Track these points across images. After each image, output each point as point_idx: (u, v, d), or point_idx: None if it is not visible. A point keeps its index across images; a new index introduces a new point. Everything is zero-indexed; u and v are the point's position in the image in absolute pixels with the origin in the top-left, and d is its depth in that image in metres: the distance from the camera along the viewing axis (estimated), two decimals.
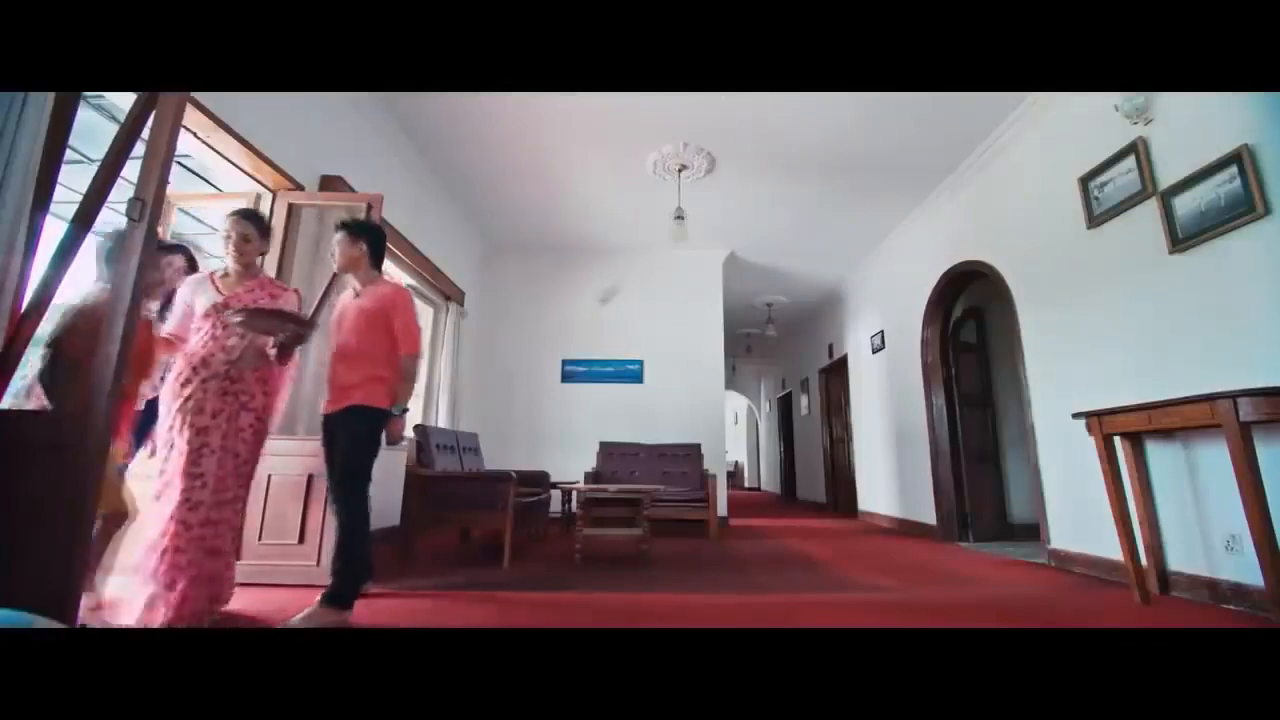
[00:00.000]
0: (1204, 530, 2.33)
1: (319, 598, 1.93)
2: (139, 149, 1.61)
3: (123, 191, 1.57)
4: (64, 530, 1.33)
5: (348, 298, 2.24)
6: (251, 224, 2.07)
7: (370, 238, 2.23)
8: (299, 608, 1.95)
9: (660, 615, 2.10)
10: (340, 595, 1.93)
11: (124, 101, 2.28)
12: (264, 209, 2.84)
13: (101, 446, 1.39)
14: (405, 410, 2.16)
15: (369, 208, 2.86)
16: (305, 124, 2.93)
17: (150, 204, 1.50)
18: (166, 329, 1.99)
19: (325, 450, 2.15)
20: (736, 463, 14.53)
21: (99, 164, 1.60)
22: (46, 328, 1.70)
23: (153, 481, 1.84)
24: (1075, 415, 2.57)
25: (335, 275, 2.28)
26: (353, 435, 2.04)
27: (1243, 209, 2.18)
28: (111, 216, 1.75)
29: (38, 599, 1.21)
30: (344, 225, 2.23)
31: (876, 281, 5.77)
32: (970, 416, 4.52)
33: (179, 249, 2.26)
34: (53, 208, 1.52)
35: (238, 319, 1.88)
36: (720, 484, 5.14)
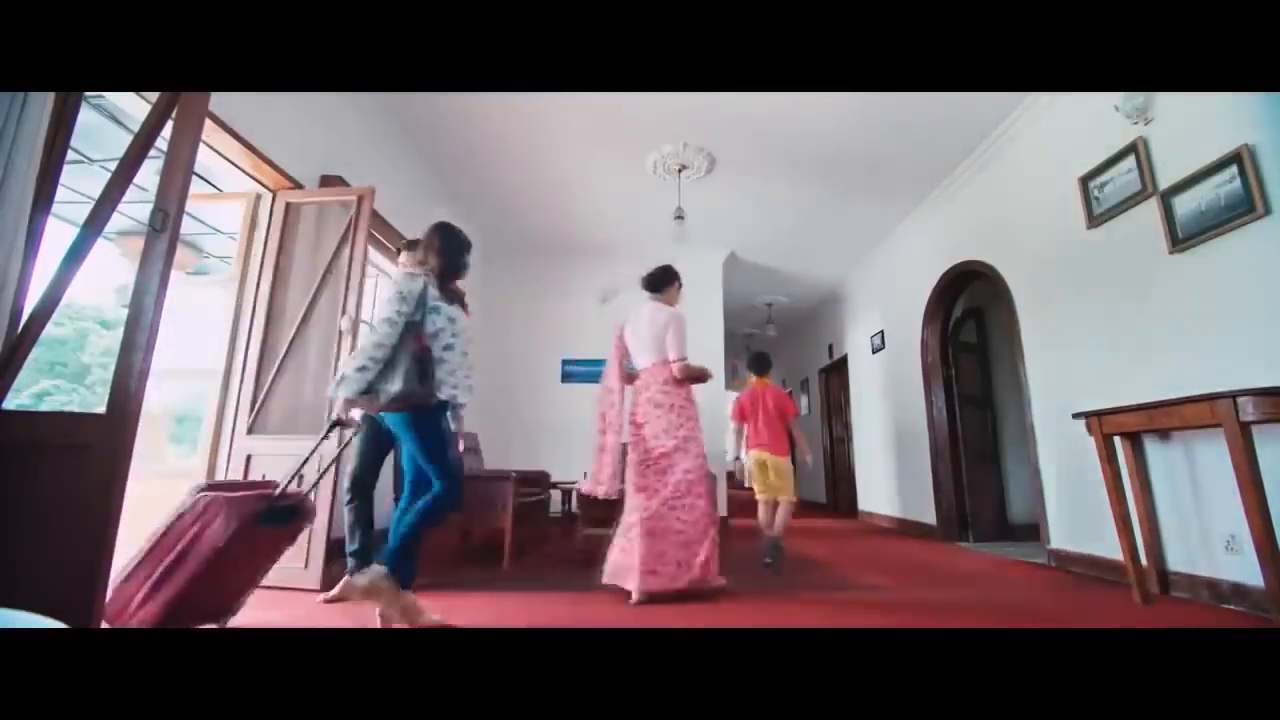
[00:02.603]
0: (1204, 530, 2.33)
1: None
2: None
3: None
4: (88, 530, 1.34)
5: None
6: None
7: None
8: (301, 608, 1.94)
9: (660, 615, 2.10)
10: None
11: (124, 102, 2.28)
12: (264, 209, 2.84)
13: (125, 450, 1.41)
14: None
15: (360, 200, 2.84)
16: (305, 124, 2.92)
17: (173, 215, 1.51)
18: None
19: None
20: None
21: (115, 168, 1.59)
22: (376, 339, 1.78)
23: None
24: (1075, 415, 2.57)
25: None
26: None
27: (1243, 209, 2.18)
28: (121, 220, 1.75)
29: (56, 599, 1.22)
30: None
31: (876, 281, 5.77)
32: (970, 416, 4.52)
33: None
34: (54, 209, 1.52)
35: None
36: (720, 484, 5.14)
